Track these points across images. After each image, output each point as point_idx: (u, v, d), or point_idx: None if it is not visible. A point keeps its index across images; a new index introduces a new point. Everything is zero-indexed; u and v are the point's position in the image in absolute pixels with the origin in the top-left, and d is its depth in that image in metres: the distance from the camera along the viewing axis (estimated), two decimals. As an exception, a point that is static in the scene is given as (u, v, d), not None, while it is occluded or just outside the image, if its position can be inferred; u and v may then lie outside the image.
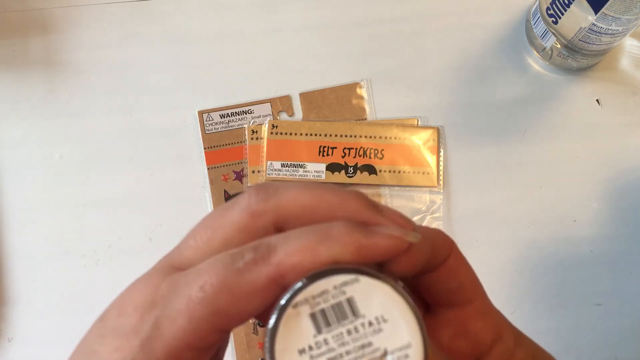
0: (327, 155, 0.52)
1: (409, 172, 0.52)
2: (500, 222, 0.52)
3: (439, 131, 0.53)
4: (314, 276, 0.20)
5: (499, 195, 0.52)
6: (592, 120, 0.53)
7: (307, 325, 0.20)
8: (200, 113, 0.53)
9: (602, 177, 0.52)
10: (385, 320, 0.20)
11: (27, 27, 0.55)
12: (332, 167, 0.52)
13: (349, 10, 0.56)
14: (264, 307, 0.20)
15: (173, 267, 0.22)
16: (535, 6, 0.52)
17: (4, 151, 0.53)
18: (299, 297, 0.20)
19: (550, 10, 0.50)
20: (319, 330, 0.20)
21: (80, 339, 0.22)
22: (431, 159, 0.52)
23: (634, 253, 0.51)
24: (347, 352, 0.19)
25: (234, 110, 0.53)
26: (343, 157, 0.52)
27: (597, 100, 0.54)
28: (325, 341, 0.20)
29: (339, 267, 0.20)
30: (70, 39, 0.55)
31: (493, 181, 0.52)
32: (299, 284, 0.20)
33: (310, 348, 0.20)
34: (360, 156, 0.52)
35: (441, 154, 0.52)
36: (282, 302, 0.20)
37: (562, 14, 0.48)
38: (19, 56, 0.55)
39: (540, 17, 0.51)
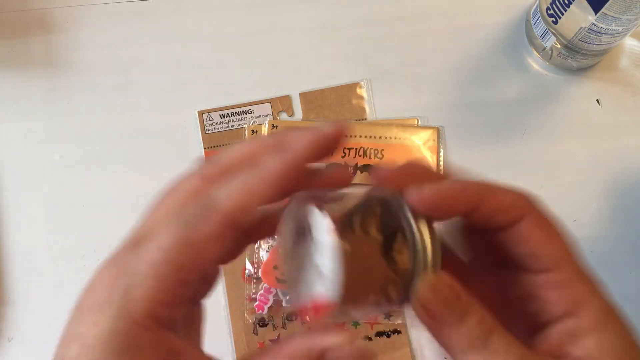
0: (327, 155, 0.52)
1: (409, 172, 0.52)
2: (500, 222, 0.52)
3: (438, 131, 0.53)
4: None
5: (499, 195, 0.52)
6: (592, 120, 0.53)
7: None
8: (200, 113, 0.53)
9: (602, 177, 0.52)
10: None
11: (27, 27, 0.55)
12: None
13: (349, 10, 0.56)
14: (221, 253, 0.22)
15: (135, 241, 0.23)
16: (535, 6, 0.52)
17: (4, 151, 0.53)
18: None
19: (550, 10, 0.50)
20: None
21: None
22: (431, 159, 0.52)
23: (634, 253, 0.51)
24: None
25: (234, 110, 0.53)
26: (343, 157, 0.52)
27: (597, 100, 0.54)
28: None
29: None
30: (71, 38, 0.55)
31: (493, 181, 0.52)
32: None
33: None
34: (360, 156, 0.52)
35: (441, 154, 0.52)
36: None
37: (562, 14, 0.48)
38: (19, 56, 0.55)
39: (540, 17, 0.51)
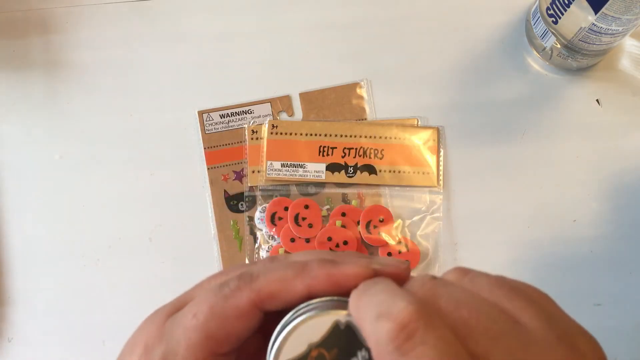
0: (327, 155, 0.52)
1: (409, 172, 0.52)
2: (500, 222, 0.52)
3: (439, 131, 0.53)
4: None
5: (499, 196, 0.52)
6: (592, 120, 0.53)
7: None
8: (200, 113, 0.53)
9: (602, 177, 0.52)
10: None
11: (27, 27, 0.55)
12: (332, 167, 0.52)
13: (349, 10, 0.56)
14: (248, 330, 0.23)
15: (179, 304, 0.24)
16: (535, 6, 0.52)
17: (4, 151, 0.53)
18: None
19: (550, 10, 0.50)
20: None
21: None
22: (431, 159, 0.52)
23: (634, 253, 0.51)
24: None
25: (234, 110, 0.53)
26: (343, 157, 0.52)
27: (597, 100, 0.54)
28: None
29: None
30: (71, 39, 0.55)
31: (493, 181, 0.52)
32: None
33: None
34: (360, 156, 0.52)
35: (441, 154, 0.52)
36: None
37: (562, 14, 0.48)
38: (19, 56, 0.55)
39: (540, 17, 0.51)
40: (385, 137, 0.52)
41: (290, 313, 0.23)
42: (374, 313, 0.20)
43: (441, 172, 0.52)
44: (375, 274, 0.23)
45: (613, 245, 0.51)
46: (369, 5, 0.56)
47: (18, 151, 0.53)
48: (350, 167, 0.52)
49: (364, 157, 0.52)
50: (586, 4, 0.45)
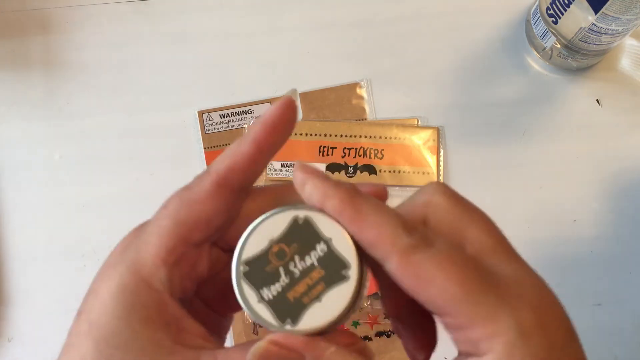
0: (327, 155, 0.52)
1: (409, 172, 0.52)
2: (500, 222, 0.52)
3: (439, 131, 0.53)
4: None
5: (499, 195, 0.52)
6: (592, 120, 0.53)
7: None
8: (200, 113, 0.53)
9: (602, 177, 0.52)
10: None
11: (27, 27, 0.55)
12: (332, 167, 0.52)
13: (349, 10, 0.55)
14: (217, 211, 0.24)
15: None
16: (535, 6, 0.52)
17: (4, 151, 0.53)
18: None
19: (550, 10, 0.49)
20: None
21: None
22: (431, 159, 0.52)
23: (634, 253, 0.51)
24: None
25: (233, 110, 0.53)
26: (343, 157, 0.52)
27: (597, 100, 0.54)
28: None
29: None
30: (70, 39, 0.55)
31: (493, 181, 0.52)
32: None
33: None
34: (360, 156, 0.52)
35: (441, 154, 0.52)
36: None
37: (562, 14, 0.48)
38: (18, 56, 0.55)
39: (540, 17, 0.51)
40: (385, 137, 0.52)
41: (255, 220, 0.24)
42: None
43: (441, 172, 0.52)
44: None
45: (613, 245, 0.51)
46: (369, 5, 0.56)
47: (18, 151, 0.53)
48: (350, 167, 0.52)
49: (364, 157, 0.52)
50: (586, 4, 0.45)
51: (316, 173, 0.24)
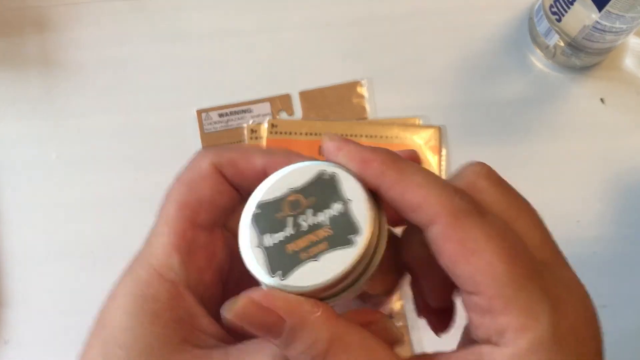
0: (328, 155, 0.52)
1: (410, 172, 0.51)
2: (503, 223, 0.51)
3: (440, 131, 0.52)
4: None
5: (502, 196, 0.52)
6: (596, 120, 0.53)
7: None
8: (199, 112, 0.53)
9: (606, 177, 0.52)
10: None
11: (24, 25, 0.55)
12: (332, 167, 0.51)
13: (349, 8, 0.55)
14: (219, 189, 0.25)
15: None
16: (538, 4, 0.52)
17: (0, 151, 0.53)
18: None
19: (553, 8, 0.49)
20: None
21: None
22: (433, 159, 0.52)
23: (638, 254, 0.51)
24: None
25: (233, 110, 0.53)
26: (343, 156, 0.52)
27: (601, 99, 0.53)
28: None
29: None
30: (68, 37, 0.55)
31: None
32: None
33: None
34: (360, 156, 0.52)
35: (443, 153, 0.52)
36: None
37: (566, 12, 0.48)
38: (16, 55, 0.54)
39: (543, 15, 0.51)
40: (386, 137, 0.52)
41: (284, 168, 0.23)
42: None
43: (443, 172, 0.52)
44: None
45: (617, 246, 0.51)
46: (370, 3, 0.55)
47: (15, 151, 0.53)
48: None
49: (364, 156, 0.52)
50: (590, 2, 0.45)
51: (350, 140, 0.23)
